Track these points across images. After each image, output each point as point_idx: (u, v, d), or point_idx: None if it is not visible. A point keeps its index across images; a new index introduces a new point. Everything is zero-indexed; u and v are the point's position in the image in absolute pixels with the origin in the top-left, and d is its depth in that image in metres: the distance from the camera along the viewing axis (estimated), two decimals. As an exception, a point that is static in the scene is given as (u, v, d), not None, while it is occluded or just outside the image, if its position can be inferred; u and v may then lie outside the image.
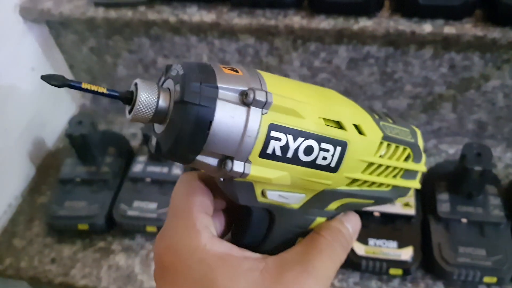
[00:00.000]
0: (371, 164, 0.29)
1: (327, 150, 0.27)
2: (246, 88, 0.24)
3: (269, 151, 0.25)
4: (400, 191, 0.32)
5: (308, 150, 0.26)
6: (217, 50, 0.75)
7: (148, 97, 0.24)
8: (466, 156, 0.61)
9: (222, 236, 0.31)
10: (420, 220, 0.64)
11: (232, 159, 0.25)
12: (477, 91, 0.71)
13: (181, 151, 0.24)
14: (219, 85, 0.24)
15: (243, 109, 0.24)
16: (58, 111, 0.85)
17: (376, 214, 0.64)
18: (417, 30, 0.62)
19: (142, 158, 0.73)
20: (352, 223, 0.31)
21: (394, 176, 0.31)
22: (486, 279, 0.58)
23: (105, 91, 0.24)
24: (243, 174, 0.25)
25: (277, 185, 0.27)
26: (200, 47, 0.75)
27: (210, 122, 0.24)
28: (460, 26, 0.61)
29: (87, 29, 0.77)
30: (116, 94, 0.24)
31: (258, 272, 0.26)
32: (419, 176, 0.33)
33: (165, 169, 0.71)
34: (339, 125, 0.27)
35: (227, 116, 0.24)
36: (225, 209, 0.32)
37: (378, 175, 0.30)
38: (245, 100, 0.24)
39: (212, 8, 0.69)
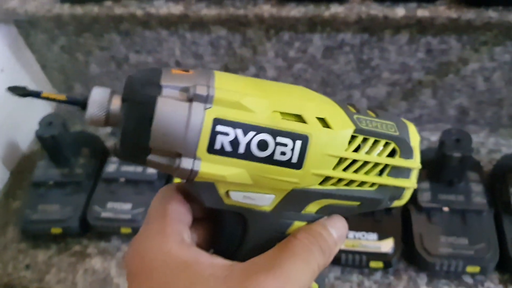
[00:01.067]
0: (343, 159, 0.27)
1: (285, 145, 0.26)
2: (189, 85, 0.25)
3: (217, 146, 0.25)
4: (391, 191, 0.29)
5: (262, 145, 0.26)
6: (189, 44, 0.73)
7: (99, 100, 0.25)
8: (444, 142, 0.59)
9: (208, 246, 0.30)
10: (400, 210, 0.62)
11: (180, 156, 0.25)
12: (456, 75, 0.69)
13: (129, 149, 0.25)
14: (162, 83, 0.24)
15: (185, 105, 0.24)
16: (32, 113, 0.83)
17: (355, 206, 0.62)
18: (390, 14, 0.60)
19: (115, 158, 0.71)
20: (336, 227, 0.28)
21: (379, 174, 0.28)
22: (469, 269, 0.57)
23: (64, 98, 0.26)
24: (192, 172, 0.25)
25: (239, 185, 0.26)
26: (172, 41, 0.73)
27: (151, 119, 0.24)
28: (434, 9, 0.59)
29: (55, 27, 0.75)
30: (75, 99, 0.26)
31: (221, 279, 0.25)
32: (414, 174, 0.29)
33: (139, 169, 0.69)
34: (300, 118, 0.26)
35: (169, 112, 0.24)
36: (211, 218, 0.30)
37: (356, 172, 0.27)
38: (187, 96, 0.24)
39: (179, -1, 0.67)
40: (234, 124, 0.25)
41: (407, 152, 0.28)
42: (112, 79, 0.82)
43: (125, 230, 0.65)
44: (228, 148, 0.25)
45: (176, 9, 0.66)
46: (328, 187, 0.27)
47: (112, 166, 0.70)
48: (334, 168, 0.27)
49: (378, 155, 0.28)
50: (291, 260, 0.26)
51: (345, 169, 0.27)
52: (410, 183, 0.29)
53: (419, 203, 0.61)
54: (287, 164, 0.26)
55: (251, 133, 0.25)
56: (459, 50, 0.65)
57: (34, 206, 0.69)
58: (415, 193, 0.62)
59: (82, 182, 0.70)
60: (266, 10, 0.63)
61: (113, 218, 0.66)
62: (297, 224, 0.29)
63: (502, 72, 0.67)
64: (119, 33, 0.74)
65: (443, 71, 0.69)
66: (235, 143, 0.25)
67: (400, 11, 0.60)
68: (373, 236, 0.60)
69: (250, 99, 0.25)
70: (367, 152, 0.27)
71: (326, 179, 0.27)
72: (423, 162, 0.69)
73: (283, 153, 0.26)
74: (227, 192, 0.27)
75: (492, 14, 0.59)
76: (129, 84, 0.25)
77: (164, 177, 0.70)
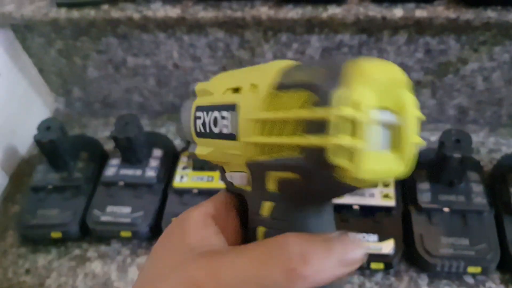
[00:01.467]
0: (264, 122, 0.23)
1: (226, 118, 0.27)
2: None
3: (198, 129, 0.30)
4: (315, 155, 0.21)
5: (215, 121, 0.28)
6: (187, 46, 0.72)
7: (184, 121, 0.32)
8: (444, 143, 0.59)
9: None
10: (401, 211, 0.62)
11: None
12: (455, 75, 0.69)
13: (184, 138, 0.32)
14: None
15: (189, 102, 0.32)
16: (30, 117, 0.83)
17: (355, 207, 0.62)
18: (388, 15, 0.60)
19: (115, 162, 0.71)
20: (341, 249, 0.23)
21: (294, 134, 0.22)
22: (471, 269, 0.57)
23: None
24: (194, 155, 0.31)
25: (224, 164, 0.29)
26: (169, 44, 0.73)
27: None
28: (432, 9, 0.59)
29: (52, 31, 0.75)
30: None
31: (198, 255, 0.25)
32: (334, 127, 0.20)
33: (138, 172, 0.69)
34: (237, 90, 0.27)
35: (183, 109, 0.32)
36: None
37: (278, 135, 0.23)
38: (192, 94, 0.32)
39: (176, 2, 0.67)
40: (202, 108, 0.29)
41: (325, 99, 0.20)
42: (110, 83, 0.82)
43: (124, 233, 0.65)
44: (202, 129, 0.29)
45: (173, 12, 0.66)
46: (265, 157, 0.24)
47: (111, 170, 0.70)
48: (260, 134, 0.24)
49: (288, 108, 0.22)
50: (230, 256, 0.24)
51: (269, 134, 0.23)
52: (323, 141, 0.20)
53: (419, 204, 0.60)
54: (229, 136, 0.27)
55: (210, 113, 0.28)
56: (458, 50, 0.65)
57: (34, 211, 0.69)
58: (415, 194, 0.61)
59: (81, 186, 0.70)
60: (264, 12, 0.63)
61: (112, 222, 0.65)
62: (266, 204, 0.26)
63: (502, 72, 0.67)
64: (116, 36, 0.73)
65: (442, 71, 0.69)
66: (204, 124, 0.29)
67: (398, 12, 0.60)
68: (374, 237, 0.59)
69: (213, 83, 0.29)
70: (282, 108, 0.22)
71: (263, 148, 0.24)
72: (422, 163, 0.69)
73: (226, 126, 0.27)
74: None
75: (491, 14, 0.59)
76: None
77: (163, 180, 0.70)
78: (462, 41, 0.64)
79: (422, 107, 0.74)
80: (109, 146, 0.79)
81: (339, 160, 0.20)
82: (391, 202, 0.61)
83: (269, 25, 0.65)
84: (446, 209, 0.60)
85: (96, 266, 0.66)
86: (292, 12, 0.62)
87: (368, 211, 0.61)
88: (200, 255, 0.25)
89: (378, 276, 0.60)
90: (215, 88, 0.29)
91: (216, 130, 0.28)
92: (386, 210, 0.61)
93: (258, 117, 0.24)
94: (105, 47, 0.75)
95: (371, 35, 0.65)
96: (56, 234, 0.67)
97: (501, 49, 0.64)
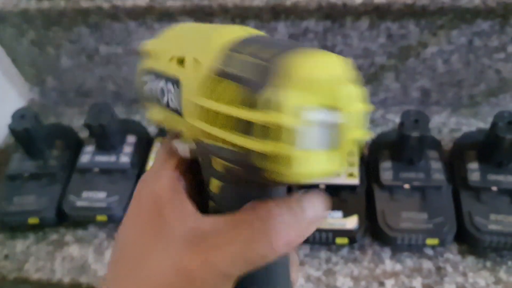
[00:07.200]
0: (202, 107, 0.22)
1: (171, 91, 0.25)
2: None
3: (146, 94, 0.29)
4: (246, 157, 0.20)
5: (161, 91, 0.26)
6: (158, 34, 0.74)
7: None
8: (404, 123, 0.62)
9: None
10: (364, 189, 0.65)
11: None
12: (416, 58, 0.72)
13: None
14: None
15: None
16: (5, 108, 0.83)
17: (322, 186, 0.65)
18: (348, 1, 0.62)
19: (89, 149, 0.72)
20: (312, 204, 0.25)
21: (225, 128, 0.21)
22: (429, 241, 0.60)
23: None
24: (167, 140, 0.29)
25: (180, 134, 0.27)
26: (141, 32, 0.74)
27: None
28: (390, -5, 0.62)
29: (24, 22, 0.76)
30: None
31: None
32: (259, 131, 0.19)
33: (112, 158, 0.71)
34: (182, 62, 0.24)
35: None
36: None
37: (214, 124, 0.22)
38: None
39: (145, -9, 0.68)
40: (148, 72, 0.27)
41: (251, 101, 0.19)
42: (83, 72, 0.83)
43: (100, 218, 0.67)
44: (149, 95, 0.28)
45: (142, 1, 0.67)
46: (209, 141, 0.23)
47: (86, 157, 0.72)
48: (199, 119, 0.23)
49: (220, 102, 0.21)
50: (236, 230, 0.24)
51: (212, 123, 0.22)
52: (248, 143, 0.20)
53: (381, 182, 0.64)
54: (176, 111, 0.25)
55: (156, 81, 0.26)
56: (418, 34, 0.68)
57: (10, 198, 0.70)
58: (377, 172, 0.65)
59: (57, 173, 0.71)
60: (230, 0, 0.65)
61: (88, 207, 0.67)
62: (213, 181, 0.26)
63: (460, 54, 0.70)
64: (87, 26, 0.74)
65: (404, 55, 0.72)
66: (151, 90, 0.27)
67: (358, -2, 0.62)
68: (338, 214, 0.62)
69: (160, 43, 0.27)
70: (217, 100, 0.21)
71: (205, 133, 0.23)
72: (385, 143, 0.72)
73: (171, 100, 0.25)
74: None
75: (445, -1, 0.62)
76: None
77: (137, 166, 0.72)
78: (421, 26, 0.67)
79: (387, 90, 0.77)
80: (84, 134, 0.80)
81: (265, 164, 0.20)
82: (355, 181, 0.64)
83: (236, 13, 0.67)
84: (406, 186, 0.63)
85: (74, 250, 0.68)
86: (257, 0, 0.64)
87: (333, 189, 0.64)
88: (184, 240, 0.24)
89: (344, 251, 0.64)
90: (162, 51, 0.26)
91: (163, 100, 0.26)
92: (351, 188, 0.64)
93: (197, 102, 0.23)
94: (77, 37, 0.77)
95: (335, 21, 0.68)
96: (33, 220, 0.69)
97: (458, 33, 0.67)
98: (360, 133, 0.21)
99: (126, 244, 0.26)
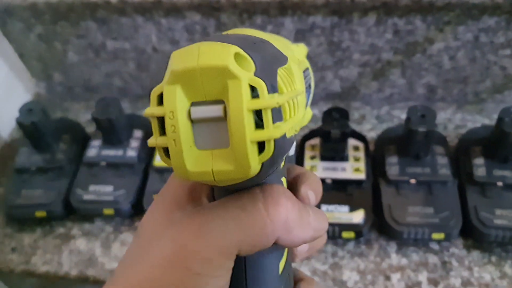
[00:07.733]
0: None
1: None
2: None
3: None
4: (161, 152, 0.22)
5: None
6: (165, 30, 0.74)
7: None
8: (410, 118, 0.62)
9: None
10: (370, 183, 0.65)
11: None
12: (423, 55, 0.72)
13: None
14: None
15: None
16: (12, 102, 0.84)
17: (328, 181, 0.65)
18: (356, -4, 0.63)
19: (96, 143, 0.73)
20: (315, 210, 0.27)
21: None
22: (435, 236, 0.60)
23: None
24: None
25: None
26: (148, 27, 0.74)
27: None
28: (397, -10, 0.62)
29: (32, 16, 0.76)
30: None
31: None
32: (158, 127, 0.20)
33: (119, 152, 0.71)
34: None
35: None
36: None
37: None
38: None
39: (153, -14, 0.68)
40: None
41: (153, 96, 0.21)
42: (90, 67, 0.84)
43: (107, 211, 0.68)
44: None
45: (151, -4, 0.68)
46: None
47: (93, 151, 0.72)
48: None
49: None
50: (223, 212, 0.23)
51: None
52: (151, 138, 0.21)
53: (388, 177, 0.64)
54: None
55: None
56: (425, 30, 0.68)
57: (18, 192, 0.70)
58: (384, 167, 0.65)
59: (64, 167, 0.72)
60: (238, -6, 0.65)
61: (95, 200, 0.68)
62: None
63: (466, 51, 0.71)
64: (95, 20, 0.75)
65: (410, 51, 0.72)
66: None
67: (365, -7, 0.63)
68: (345, 208, 0.63)
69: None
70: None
71: None
72: (391, 138, 0.73)
73: None
74: None
75: (452, -6, 0.62)
76: None
77: (144, 160, 0.72)
78: (428, 22, 0.67)
79: (393, 86, 0.78)
80: (90, 129, 0.81)
81: (165, 159, 0.20)
82: (361, 175, 0.65)
83: (244, 8, 0.68)
84: (412, 181, 0.63)
85: (81, 243, 0.69)
86: (265, -5, 0.65)
87: (340, 184, 0.65)
88: (187, 218, 0.24)
89: (350, 245, 0.64)
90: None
91: None
92: (357, 183, 0.65)
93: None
94: (84, 32, 0.77)
95: (342, 17, 0.68)
96: (40, 214, 0.69)
97: (465, 29, 0.67)
98: (258, 134, 0.18)
99: (139, 232, 0.26)
